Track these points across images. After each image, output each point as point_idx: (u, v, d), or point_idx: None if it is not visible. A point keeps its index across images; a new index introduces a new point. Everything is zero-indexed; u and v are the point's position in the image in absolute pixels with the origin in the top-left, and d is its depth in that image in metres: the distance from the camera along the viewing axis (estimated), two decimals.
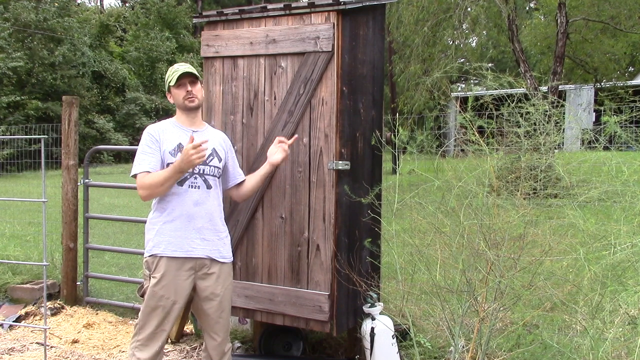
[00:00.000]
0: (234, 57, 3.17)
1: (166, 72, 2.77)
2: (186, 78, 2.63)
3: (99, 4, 38.08)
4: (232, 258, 2.76)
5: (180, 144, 2.60)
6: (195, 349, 3.80)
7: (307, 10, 2.94)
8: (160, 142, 2.59)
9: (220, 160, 2.70)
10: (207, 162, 2.64)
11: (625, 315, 2.19)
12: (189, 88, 2.63)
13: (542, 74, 14.04)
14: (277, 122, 3.03)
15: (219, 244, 2.65)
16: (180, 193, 2.57)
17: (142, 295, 2.62)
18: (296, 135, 2.92)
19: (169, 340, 3.86)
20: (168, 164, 2.56)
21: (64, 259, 4.63)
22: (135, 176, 2.58)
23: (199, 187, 2.60)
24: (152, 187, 2.51)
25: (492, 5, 11.59)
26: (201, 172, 2.62)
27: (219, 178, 2.71)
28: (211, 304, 2.63)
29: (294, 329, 3.41)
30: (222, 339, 2.69)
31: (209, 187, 2.63)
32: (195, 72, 2.65)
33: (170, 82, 2.65)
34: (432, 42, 12.45)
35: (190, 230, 2.57)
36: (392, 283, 3.38)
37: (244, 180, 2.84)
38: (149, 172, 2.54)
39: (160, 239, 2.57)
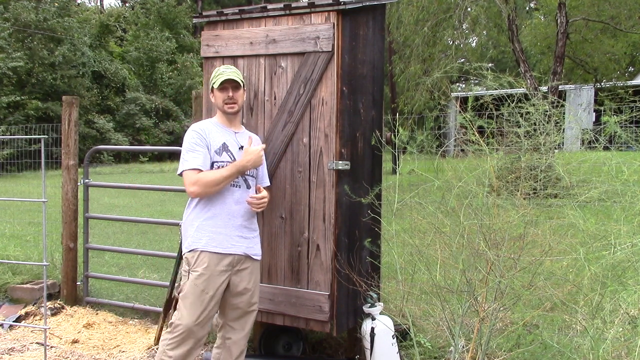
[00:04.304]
0: (234, 57, 3.17)
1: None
2: (229, 83, 2.70)
3: (99, 4, 38.10)
4: (261, 256, 2.85)
5: (224, 143, 2.69)
6: None
7: (307, 10, 2.94)
8: (207, 140, 2.66)
9: None
10: None
11: (625, 315, 2.19)
12: (231, 94, 2.70)
13: (542, 74, 14.04)
14: (277, 122, 3.03)
15: (254, 242, 2.76)
16: (223, 191, 2.65)
17: (179, 294, 2.65)
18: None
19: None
20: (213, 163, 2.64)
21: (64, 259, 4.63)
22: (181, 174, 2.63)
23: (240, 187, 2.70)
24: (209, 185, 2.58)
25: (492, 5, 11.59)
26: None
27: (255, 179, 2.79)
28: (243, 298, 2.71)
29: (294, 329, 3.41)
30: (246, 332, 2.77)
31: (248, 187, 2.73)
32: (238, 79, 2.72)
33: (214, 84, 2.72)
34: (432, 42, 12.45)
35: (230, 228, 2.65)
36: (392, 283, 3.38)
37: (267, 187, 2.89)
38: (199, 169, 2.60)
39: (200, 235, 2.63)
